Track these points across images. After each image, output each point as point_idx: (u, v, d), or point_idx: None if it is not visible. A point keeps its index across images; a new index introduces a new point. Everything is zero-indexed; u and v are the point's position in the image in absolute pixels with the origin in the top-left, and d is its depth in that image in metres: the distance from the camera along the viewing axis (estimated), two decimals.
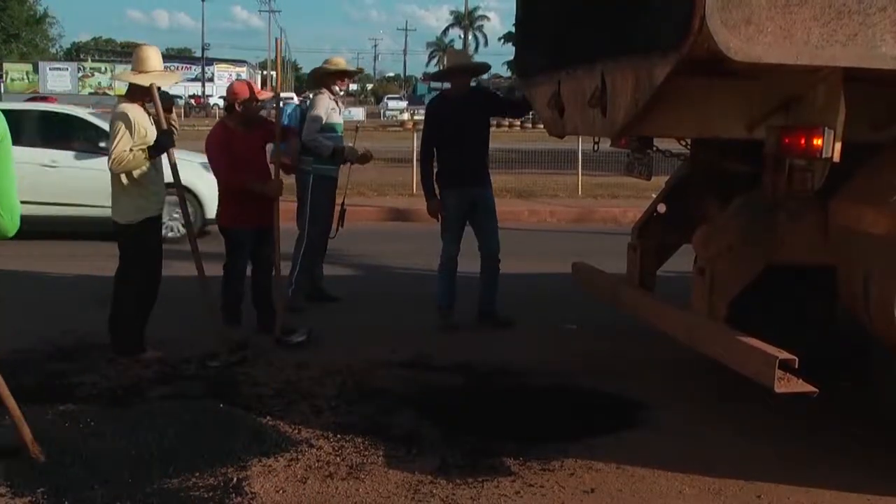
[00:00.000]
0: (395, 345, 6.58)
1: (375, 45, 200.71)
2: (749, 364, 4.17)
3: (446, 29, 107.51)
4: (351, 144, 7.93)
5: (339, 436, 4.88)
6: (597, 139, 5.91)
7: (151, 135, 6.12)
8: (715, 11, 3.60)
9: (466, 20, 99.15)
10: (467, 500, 4.16)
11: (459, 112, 7.18)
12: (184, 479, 4.27)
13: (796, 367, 3.98)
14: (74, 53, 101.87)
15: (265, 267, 7.05)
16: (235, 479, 4.29)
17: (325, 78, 7.85)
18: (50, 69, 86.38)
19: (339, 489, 4.26)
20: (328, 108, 7.69)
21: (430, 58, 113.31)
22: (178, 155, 6.47)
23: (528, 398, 5.41)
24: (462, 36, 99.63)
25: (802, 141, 4.12)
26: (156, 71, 6.21)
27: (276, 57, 7.64)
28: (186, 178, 7.33)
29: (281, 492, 4.21)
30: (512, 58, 6.50)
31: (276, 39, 7.95)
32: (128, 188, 6.12)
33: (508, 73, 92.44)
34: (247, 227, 6.89)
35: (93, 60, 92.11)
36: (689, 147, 5.91)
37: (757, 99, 4.42)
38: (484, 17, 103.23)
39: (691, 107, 4.43)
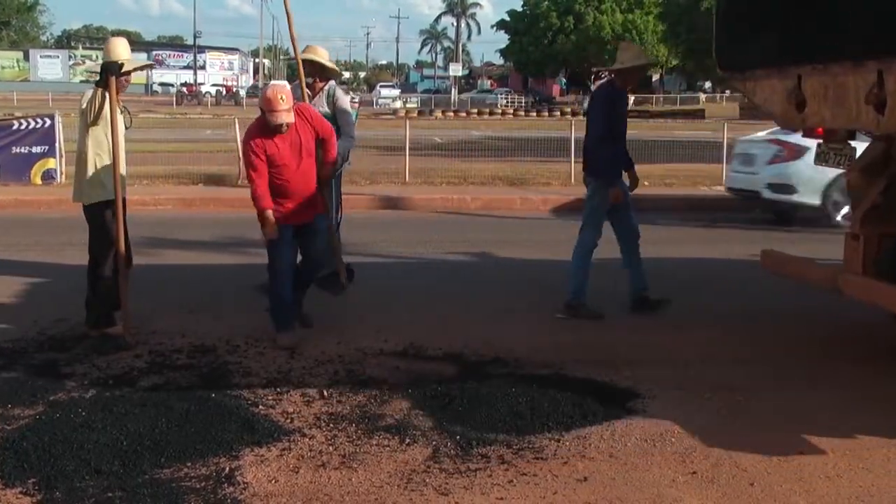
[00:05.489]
0: (387, 334, 6.56)
1: (368, 34, 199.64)
2: None
3: (439, 17, 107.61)
4: None
5: (331, 425, 4.88)
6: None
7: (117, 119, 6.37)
8: None
9: (459, 8, 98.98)
10: (460, 490, 4.15)
11: (626, 105, 7.51)
12: (175, 469, 4.26)
13: None
14: (65, 41, 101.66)
15: (312, 267, 6.67)
16: (227, 469, 4.29)
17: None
18: (41, 57, 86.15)
19: (332, 478, 4.25)
20: None
21: (423, 45, 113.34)
22: None
23: (521, 387, 5.39)
24: (455, 24, 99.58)
25: None
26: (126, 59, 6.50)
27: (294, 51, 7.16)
28: None
29: (273, 481, 4.20)
30: (714, 49, 6.67)
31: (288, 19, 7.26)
32: (86, 172, 6.39)
33: (501, 61, 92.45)
34: (283, 223, 6.31)
35: (84, 48, 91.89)
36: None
37: None
38: (476, 4, 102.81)
39: None
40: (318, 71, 7.38)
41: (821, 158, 6.26)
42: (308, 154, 6.35)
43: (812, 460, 4.56)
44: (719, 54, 6.62)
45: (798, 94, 5.66)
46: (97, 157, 6.39)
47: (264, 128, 6.18)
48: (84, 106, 6.32)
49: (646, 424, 4.98)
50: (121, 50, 6.45)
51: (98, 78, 6.19)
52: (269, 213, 6.19)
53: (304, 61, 7.26)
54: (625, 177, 7.57)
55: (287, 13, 6.98)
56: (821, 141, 6.47)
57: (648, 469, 4.43)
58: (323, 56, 7.47)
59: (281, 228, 6.29)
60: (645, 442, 4.74)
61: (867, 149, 6.21)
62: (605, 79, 7.54)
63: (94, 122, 6.25)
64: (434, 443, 4.66)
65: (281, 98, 6.04)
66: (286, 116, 6.06)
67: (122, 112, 6.53)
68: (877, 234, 5.89)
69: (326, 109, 7.26)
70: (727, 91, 66.00)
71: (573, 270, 7.35)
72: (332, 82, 7.51)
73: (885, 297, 5.55)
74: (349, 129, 7.37)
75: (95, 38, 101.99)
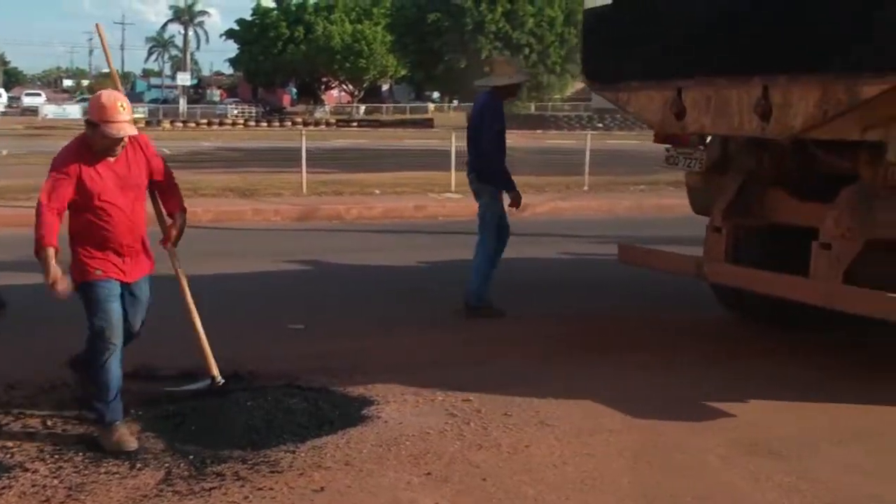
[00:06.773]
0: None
1: (90, 40, 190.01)
2: None
3: (166, 24, 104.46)
4: None
5: (56, 456, 4.64)
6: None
7: None
8: None
9: (187, 16, 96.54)
10: None
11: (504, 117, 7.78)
12: None
13: None
14: None
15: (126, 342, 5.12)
16: None
17: None
18: None
19: None
20: None
21: (150, 53, 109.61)
22: None
23: (257, 401, 5.33)
24: (182, 32, 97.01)
25: None
26: None
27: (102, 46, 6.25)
28: None
29: None
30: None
31: (97, 25, 6.38)
32: None
33: (231, 71, 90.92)
34: (112, 277, 5.01)
35: None
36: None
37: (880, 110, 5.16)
38: (204, 12, 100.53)
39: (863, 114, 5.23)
40: None
41: (670, 162, 6.91)
42: (139, 194, 5.12)
43: (539, 451, 4.83)
44: (587, 67, 7.20)
45: (678, 103, 6.25)
46: None
47: (85, 151, 4.84)
48: None
49: (380, 430, 5.08)
50: None
51: None
52: (51, 252, 4.63)
53: None
54: None
55: (103, 46, 6.32)
56: (669, 146, 7.11)
57: (384, 474, 4.52)
58: None
59: (109, 283, 4.96)
60: (380, 447, 4.83)
61: (704, 154, 6.89)
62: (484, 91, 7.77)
63: None
64: (167, 465, 4.54)
65: (121, 106, 4.72)
66: (128, 128, 4.77)
67: None
68: (734, 226, 6.59)
69: None
70: (455, 101, 68.14)
71: (476, 275, 7.66)
72: None
73: (747, 280, 6.33)
74: None
75: None
